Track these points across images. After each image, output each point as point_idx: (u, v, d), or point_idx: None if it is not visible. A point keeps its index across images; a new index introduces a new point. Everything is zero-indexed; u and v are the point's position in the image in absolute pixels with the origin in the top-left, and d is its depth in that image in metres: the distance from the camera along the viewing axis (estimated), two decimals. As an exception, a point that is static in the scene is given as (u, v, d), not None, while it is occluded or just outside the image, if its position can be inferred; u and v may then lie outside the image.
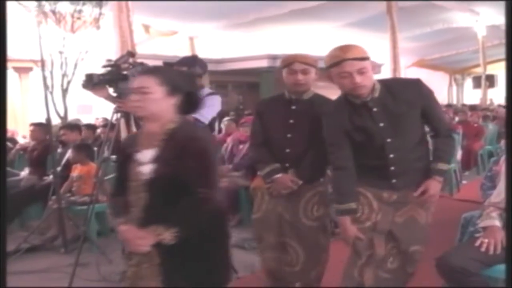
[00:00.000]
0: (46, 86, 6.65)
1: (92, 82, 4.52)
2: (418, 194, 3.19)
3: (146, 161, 2.59)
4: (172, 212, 2.52)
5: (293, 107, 3.78)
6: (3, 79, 1.71)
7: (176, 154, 2.52)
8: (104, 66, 4.67)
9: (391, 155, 3.12)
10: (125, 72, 4.60)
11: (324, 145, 3.38)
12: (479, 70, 22.88)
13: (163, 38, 14.79)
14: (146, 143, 2.63)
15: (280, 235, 3.87)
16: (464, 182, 9.45)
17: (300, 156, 3.72)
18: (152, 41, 14.01)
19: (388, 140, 3.11)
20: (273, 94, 4.12)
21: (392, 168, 3.15)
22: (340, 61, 3.00)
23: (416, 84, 3.21)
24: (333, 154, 3.26)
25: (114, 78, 4.59)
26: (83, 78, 4.60)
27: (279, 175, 3.75)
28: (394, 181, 3.18)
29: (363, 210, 3.24)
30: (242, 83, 18.05)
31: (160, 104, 2.58)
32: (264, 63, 15.32)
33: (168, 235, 2.50)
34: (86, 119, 12.51)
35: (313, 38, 16.50)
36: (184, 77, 2.77)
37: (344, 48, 3.03)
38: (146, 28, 13.29)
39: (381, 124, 3.11)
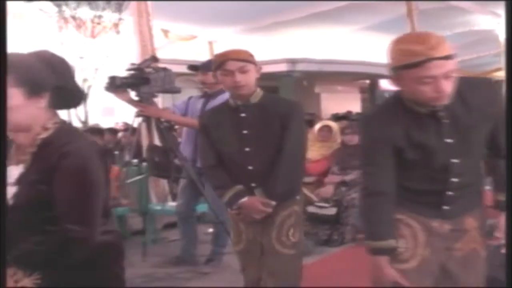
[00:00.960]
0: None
1: (115, 85, 4.56)
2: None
3: (11, 181, 1.95)
4: (34, 253, 1.91)
5: (242, 115, 3.21)
6: (3, 79, 1.72)
7: (44, 174, 1.91)
8: (128, 70, 4.71)
9: (454, 179, 2.40)
10: (147, 77, 4.64)
11: (294, 154, 3.13)
12: (500, 74, 22.64)
13: (182, 43, 14.85)
14: (14, 157, 2.02)
15: (260, 269, 3.30)
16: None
17: (266, 171, 3.14)
18: (171, 45, 14.06)
19: (454, 160, 2.38)
20: (293, 99, 3.59)
21: (450, 193, 2.43)
22: (424, 61, 2.14)
23: (490, 86, 2.47)
24: (372, 176, 2.46)
25: (137, 82, 4.64)
26: (106, 80, 4.64)
27: (245, 199, 3.16)
28: (446, 207, 2.45)
29: (406, 244, 2.47)
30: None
31: (21, 110, 1.92)
32: (283, 67, 15.33)
33: (28, 282, 1.95)
34: (109, 121, 12.56)
35: (332, 42, 16.46)
36: (49, 68, 1.98)
37: (432, 45, 2.16)
38: (165, 32, 13.35)
39: (448, 140, 2.36)
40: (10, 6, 12.23)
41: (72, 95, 2.07)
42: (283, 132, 3.12)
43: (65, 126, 2.05)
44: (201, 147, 3.40)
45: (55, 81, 1.97)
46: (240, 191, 3.18)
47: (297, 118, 3.22)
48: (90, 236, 1.93)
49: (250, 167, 3.16)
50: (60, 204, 1.89)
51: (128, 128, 9.54)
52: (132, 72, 4.67)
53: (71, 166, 1.89)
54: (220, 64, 3.11)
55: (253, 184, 3.18)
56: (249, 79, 3.12)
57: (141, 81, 4.60)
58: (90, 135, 7.56)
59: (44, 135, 1.97)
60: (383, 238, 2.41)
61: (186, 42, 15.09)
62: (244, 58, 3.12)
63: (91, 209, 1.94)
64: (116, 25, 10.65)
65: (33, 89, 1.92)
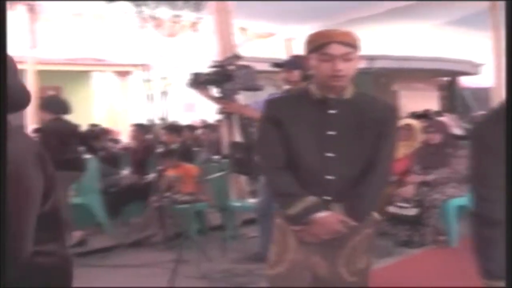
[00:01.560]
0: (147, 89, 6.86)
1: (198, 81, 4.60)
2: None
3: None
4: None
5: (331, 112, 2.57)
6: (3, 79, 1.66)
7: None
8: (210, 67, 4.75)
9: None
10: (230, 74, 4.68)
11: (386, 168, 2.64)
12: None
13: (260, 40, 14.94)
14: None
15: None
16: None
17: (348, 185, 2.56)
18: (249, 43, 14.18)
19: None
20: (387, 101, 2.87)
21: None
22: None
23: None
24: (491, 204, 1.96)
25: (220, 79, 4.67)
26: (190, 76, 4.69)
27: (322, 214, 2.53)
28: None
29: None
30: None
31: None
32: (360, 64, 15.12)
33: None
34: (190, 117, 12.75)
35: (411, 38, 16.12)
36: None
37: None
38: (243, 30, 13.47)
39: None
40: (90, 7, 12.71)
41: (14, 94, 1.75)
42: (378, 140, 2.57)
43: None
44: (265, 142, 2.70)
45: None
46: (316, 204, 2.53)
47: (394, 125, 2.71)
48: (13, 254, 1.60)
49: (329, 177, 2.54)
50: None
51: (206, 125, 9.69)
52: (215, 69, 4.72)
53: None
54: (320, 46, 2.48)
55: (328, 198, 2.56)
56: (351, 69, 2.50)
57: (224, 78, 4.64)
58: (167, 132, 7.71)
59: None
60: (500, 278, 1.97)
61: (264, 40, 15.18)
62: (350, 42, 2.49)
63: (16, 222, 1.61)
64: (194, 24, 10.82)
65: None
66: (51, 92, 13.70)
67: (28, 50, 10.88)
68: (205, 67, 5.02)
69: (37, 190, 1.69)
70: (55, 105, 6.48)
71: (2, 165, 1.60)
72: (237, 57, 4.97)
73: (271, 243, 2.75)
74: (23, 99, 1.81)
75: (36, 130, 6.64)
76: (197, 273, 5.20)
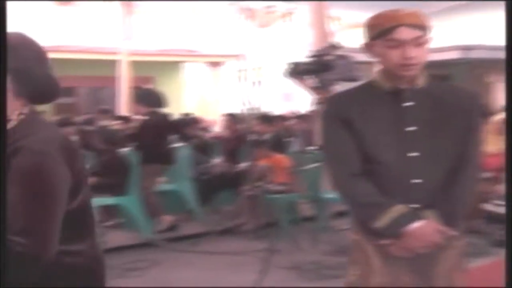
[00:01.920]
0: (240, 80, 6.89)
1: (297, 71, 4.55)
2: None
3: None
4: None
5: (407, 104, 2.21)
6: (3, 79, 1.62)
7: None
8: (308, 57, 4.69)
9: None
10: (329, 64, 4.60)
11: (477, 164, 2.29)
12: None
13: (354, 30, 14.73)
14: None
15: None
16: None
17: (438, 187, 2.19)
18: (343, 33, 14.00)
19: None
20: (470, 88, 2.48)
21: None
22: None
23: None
24: None
25: (318, 69, 4.60)
26: (288, 66, 4.65)
27: (417, 225, 2.15)
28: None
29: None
30: (432, 76, 17.32)
31: None
32: (456, 55, 14.58)
33: None
34: (288, 107, 12.71)
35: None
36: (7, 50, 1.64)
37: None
38: (336, 20, 13.29)
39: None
40: (186, 3, 12.94)
41: (39, 84, 1.70)
42: (465, 134, 2.23)
43: (31, 117, 1.70)
44: (334, 144, 2.28)
45: (12, 64, 1.63)
46: (406, 214, 2.15)
47: (480, 116, 2.36)
48: (37, 253, 1.52)
49: (415, 180, 2.18)
50: (10, 210, 1.53)
51: (298, 116, 9.64)
52: (313, 59, 4.65)
53: (20, 164, 1.55)
54: (386, 30, 2.12)
55: (415, 205, 2.18)
56: (423, 55, 2.16)
57: (323, 68, 4.57)
58: (260, 122, 7.71)
59: (8, 126, 1.65)
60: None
61: (356, 30, 14.94)
62: (420, 24, 2.15)
63: (42, 218, 1.54)
64: (287, 14, 10.77)
65: None
66: (143, 84, 14.12)
67: (123, 41, 11.20)
68: (298, 57, 4.97)
69: (64, 186, 1.60)
70: (150, 98, 6.65)
71: (2, 165, 1.53)
72: (335, 46, 4.88)
73: (350, 263, 2.37)
74: (52, 91, 1.76)
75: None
76: (288, 263, 5.18)
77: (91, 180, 6.09)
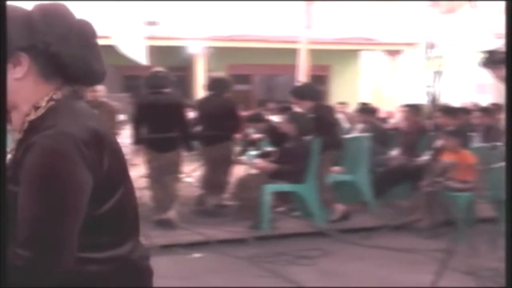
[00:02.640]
0: (421, 68, 6.61)
1: (493, 60, 4.20)
2: None
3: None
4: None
5: None
6: (3, 79, 1.43)
7: (16, 170, 1.41)
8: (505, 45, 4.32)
9: None
10: None
11: None
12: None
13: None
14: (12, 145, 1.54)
15: None
16: None
17: None
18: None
19: None
20: None
21: None
22: None
23: None
24: None
25: None
26: (483, 55, 4.32)
27: None
28: None
29: None
30: None
31: None
32: None
33: None
34: (483, 100, 12.01)
35: None
36: (23, 25, 1.44)
37: None
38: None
39: None
40: None
41: (72, 65, 1.48)
42: None
43: (63, 104, 1.47)
44: None
45: (28, 41, 1.43)
46: None
47: None
48: (45, 266, 1.35)
49: None
50: (19, 216, 1.35)
51: (481, 109, 9.05)
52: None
53: (30, 163, 1.35)
54: None
55: None
56: None
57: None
58: (443, 114, 7.33)
59: (32, 116, 1.46)
60: None
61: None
62: None
63: (49, 228, 1.34)
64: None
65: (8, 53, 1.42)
66: (320, 73, 14.17)
67: (303, 30, 11.29)
68: (487, 45, 4.58)
69: (80, 191, 1.38)
70: (312, 92, 6.72)
71: (3, 165, 1.39)
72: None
73: None
74: (87, 74, 1.52)
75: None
76: (464, 267, 4.87)
77: (271, 166, 6.26)
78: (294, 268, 5.04)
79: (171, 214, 6.38)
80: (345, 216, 6.44)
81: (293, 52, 11.08)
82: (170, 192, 6.40)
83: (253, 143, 8.57)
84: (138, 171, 8.83)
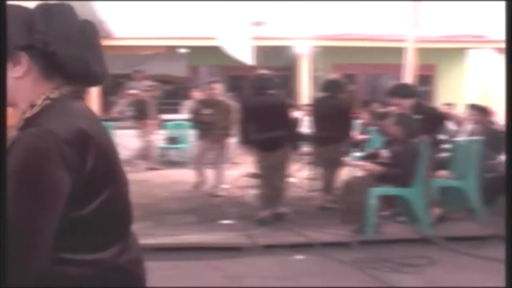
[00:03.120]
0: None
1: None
2: None
3: None
4: None
5: None
6: (3, 78, 1.40)
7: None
8: None
9: None
10: None
11: None
12: None
13: None
14: None
15: None
16: None
17: None
18: None
19: None
20: None
21: None
22: None
23: None
24: None
25: None
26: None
27: None
28: None
29: None
30: None
31: None
32: None
33: None
34: None
35: None
36: (23, 23, 1.47)
37: None
38: None
39: None
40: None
41: (63, 62, 1.48)
42: None
43: (57, 103, 1.49)
44: None
45: (27, 40, 1.45)
46: None
47: None
48: (19, 262, 1.34)
49: None
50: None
51: None
52: None
53: (11, 159, 1.37)
54: None
55: None
56: None
57: None
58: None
59: (28, 114, 1.49)
60: None
61: None
62: None
63: (24, 224, 1.35)
64: None
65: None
66: (426, 72, 13.79)
67: (410, 28, 11.04)
68: None
69: (57, 191, 1.38)
70: (409, 90, 6.62)
71: (2, 164, 1.38)
72: None
73: None
74: (85, 74, 1.53)
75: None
76: None
77: (378, 168, 6.20)
78: (398, 275, 4.97)
79: (281, 210, 6.62)
80: (440, 219, 6.30)
81: (399, 51, 10.87)
82: (277, 191, 6.56)
83: (357, 144, 8.52)
84: (240, 170, 9.09)
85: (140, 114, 10.80)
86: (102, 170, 1.47)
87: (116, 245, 1.54)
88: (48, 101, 1.49)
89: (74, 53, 1.47)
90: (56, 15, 1.47)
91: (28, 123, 1.46)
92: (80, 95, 1.57)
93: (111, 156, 1.53)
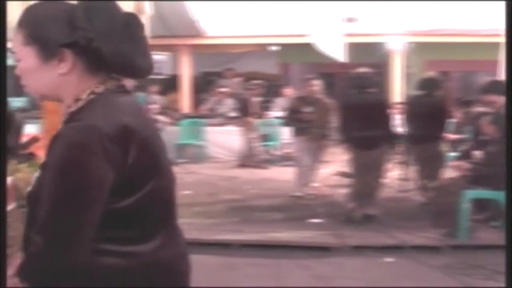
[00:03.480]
0: None
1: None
2: None
3: None
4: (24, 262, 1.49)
5: None
6: (3, 78, 1.36)
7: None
8: None
9: None
10: None
11: None
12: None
13: None
14: None
15: None
16: None
17: None
18: None
19: None
20: None
21: None
22: None
23: None
24: None
25: None
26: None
27: None
28: None
29: None
30: None
31: (37, 76, 1.53)
32: None
33: None
34: None
35: None
36: (64, 21, 1.49)
37: None
38: None
39: None
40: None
41: (106, 57, 1.48)
42: None
43: (100, 98, 1.51)
44: None
45: (70, 37, 1.46)
46: None
47: None
48: (55, 255, 1.38)
49: None
50: (41, 205, 1.42)
51: None
52: None
53: (52, 154, 1.42)
54: None
55: None
56: None
57: None
58: None
59: (73, 108, 1.52)
60: None
61: None
62: None
63: (64, 218, 1.39)
64: None
65: (46, 49, 1.49)
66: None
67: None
68: None
69: (99, 184, 1.41)
70: (505, 87, 6.33)
71: (2, 163, 1.45)
72: None
73: None
74: (128, 68, 1.53)
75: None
76: None
77: (472, 170, 5.98)
78: (492, 283, 4.77)
79: (373, 211, 6.54)
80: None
81: (495, 47, 10.43)
82: (371, 190, 6.52)
83: (452, 144, 8.27)
84: (330, 169, 9.02)
85: (243, 113, 10.95)
86: (144, 164, 1.49)
87: (156, 239, 1.54)
88: (93, 96, 1.52)
89: (117, 48, 1.48)
90: (97, 10, 1.49)
91: (72, 117, 1.49)
92: (125, 89, 1.60)
93: (155, 151, 1.54)
